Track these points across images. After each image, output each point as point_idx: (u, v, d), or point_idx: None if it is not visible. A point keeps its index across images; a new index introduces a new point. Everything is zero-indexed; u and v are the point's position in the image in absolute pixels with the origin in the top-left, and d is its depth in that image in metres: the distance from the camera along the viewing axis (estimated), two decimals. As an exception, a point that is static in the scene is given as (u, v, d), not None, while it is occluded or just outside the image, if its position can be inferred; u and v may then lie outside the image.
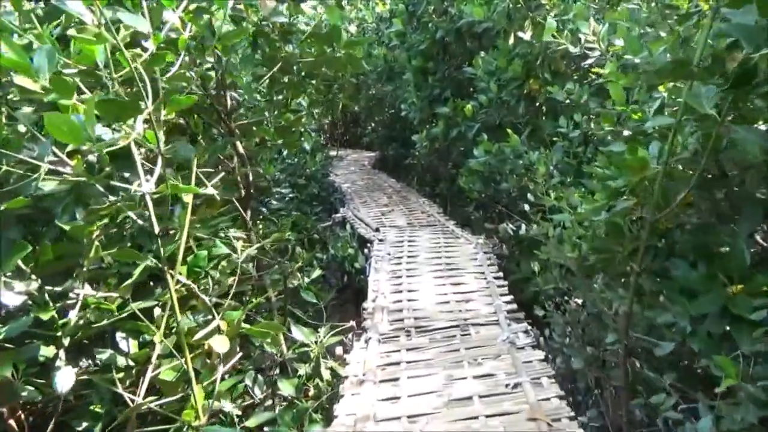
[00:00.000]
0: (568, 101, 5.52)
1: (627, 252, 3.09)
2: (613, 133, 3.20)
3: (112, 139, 1.87)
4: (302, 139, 8.99)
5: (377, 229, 7.73)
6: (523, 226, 4.92)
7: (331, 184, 11.30)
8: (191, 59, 3.13)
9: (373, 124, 15.32)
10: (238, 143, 4.34)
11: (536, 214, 5.13)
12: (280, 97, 5.03)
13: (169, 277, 2.21)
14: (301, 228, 8.53)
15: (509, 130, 5.58)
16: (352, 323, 4.17)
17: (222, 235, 3.89)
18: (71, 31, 2.05)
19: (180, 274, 2.54)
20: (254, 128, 5.11)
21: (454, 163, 9.57)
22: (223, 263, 2.74)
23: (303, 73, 4.97)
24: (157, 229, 2.11)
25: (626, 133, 3.19)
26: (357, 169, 14.63)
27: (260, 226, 5.91)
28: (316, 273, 4.62)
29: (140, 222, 2.35)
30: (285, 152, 7.89)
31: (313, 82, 5.00)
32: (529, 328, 4.44)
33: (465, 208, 9.71)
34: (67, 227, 2.34)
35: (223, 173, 4.02)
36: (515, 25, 5.93)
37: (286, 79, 4.93)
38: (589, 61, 3.74)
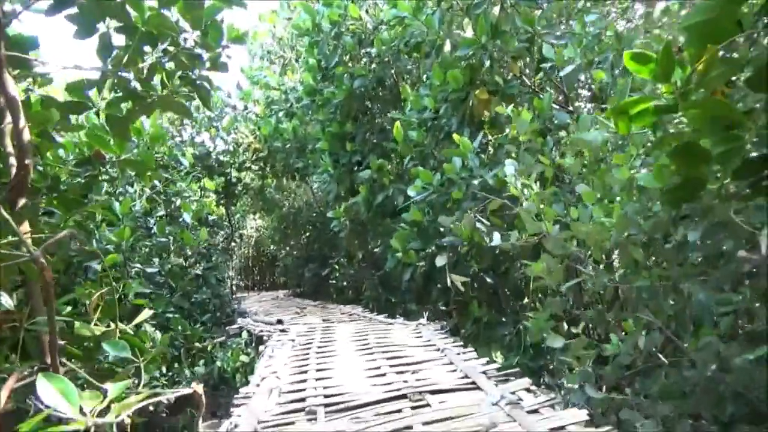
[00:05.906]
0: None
1: None
2: None
3: None
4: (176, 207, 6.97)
5: (280, 321, 5.62)
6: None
7: (229, 300, 9.15)
8: None
9: (287, 248, 13.57)
10: None
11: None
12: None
13: None
14: (183, 337, 6.27)
15: (456, 136, 4.03)
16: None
17: None
18: None
19: None
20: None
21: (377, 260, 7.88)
22: None
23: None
24: None
25: None
26: (269, 299, 12.72)
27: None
28: None
29: None
30: (153, 221, 5.82)
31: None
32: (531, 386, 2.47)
33: (395, 309, 7.81)
34: None
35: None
36: (451, 30, 4.71)
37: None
38: None
